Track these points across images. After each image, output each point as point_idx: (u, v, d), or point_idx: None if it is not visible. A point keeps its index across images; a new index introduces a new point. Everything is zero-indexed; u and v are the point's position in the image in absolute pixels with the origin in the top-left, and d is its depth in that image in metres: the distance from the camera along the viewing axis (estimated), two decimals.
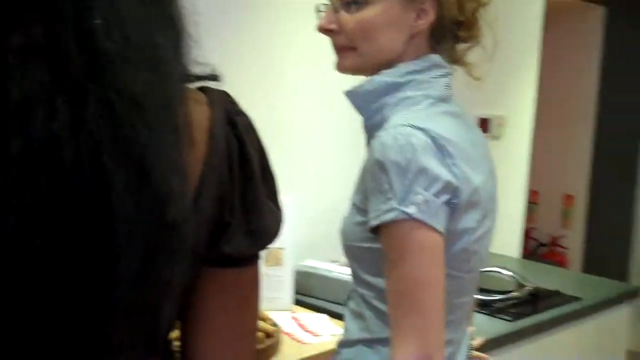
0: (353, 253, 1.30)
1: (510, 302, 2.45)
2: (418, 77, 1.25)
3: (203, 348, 0.80)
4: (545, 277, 2.80)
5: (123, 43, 0.63)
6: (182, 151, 0.69)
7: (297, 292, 2.31)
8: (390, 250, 1.16)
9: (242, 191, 0.76)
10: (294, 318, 2.15)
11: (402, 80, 1.25)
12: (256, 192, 0.78)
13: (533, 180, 3.67)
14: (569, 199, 4.78)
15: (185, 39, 0.71)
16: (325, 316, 2.19)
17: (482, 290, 2.18)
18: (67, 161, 0.60)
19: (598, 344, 2.76)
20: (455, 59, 1.32)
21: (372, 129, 1.28)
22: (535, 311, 2.44)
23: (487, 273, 2.43)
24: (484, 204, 1.23)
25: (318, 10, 1.34)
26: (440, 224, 1.14)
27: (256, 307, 0.85)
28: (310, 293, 2.33)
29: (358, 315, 1.31)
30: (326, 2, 1.31)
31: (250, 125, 0.79)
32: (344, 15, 1.27)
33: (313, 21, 1.34)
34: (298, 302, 2.29)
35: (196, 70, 0.75)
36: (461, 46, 1.31)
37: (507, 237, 3.40)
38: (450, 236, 1.18)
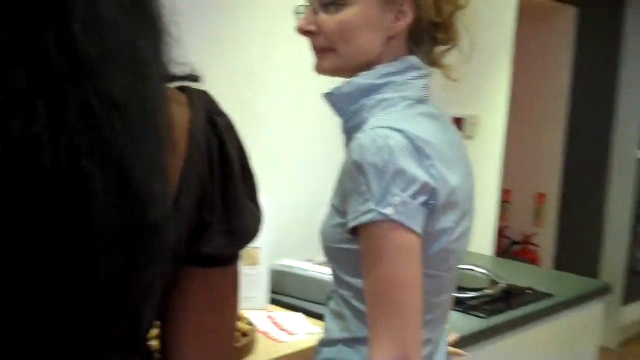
0: (332, 254, 1.31)
1: (484, 299, 2.47)
2: (396, 78, 1.26)
3: (183, 347, 0.80)
4: (518, 275, 2.82)
5: (103, 46, 0.63)
6: (163, 152, 0.69)
7: (272, 291, 2.31)
8: (368, 251, 1.17)
9: (222, 191, 0.77)
10: (270, 317, 2.15)
11: (380, 82, 1.26)
12: (236, 192, 0.78)
13: (505, 179, 3.70)
14: (541, 197, 4.83)
15: (165, 39, 0.72)
16: (300, 315, 2.19)
17: (456, 288, 2.20)
18: (47, 164, 0.60)
19: (570, 340, 2.79)
20: (432, 61, 1.33)
21: (350, 130, 1.28)
22: (509, 308, 2.46)
23: (461, 271, 2.45)
24: (461, 204, 1.25)
25: (297, 12, 1.34)
26: (417, 225, 1.15)
27: (236, 306, 0.85)
28: (285, 292, 2.33)
29: (338, 315, 1.32)
30: (305, 4, 1.32)
31: (230, 125, 0.80)
32: (323, 17, 1.27)
33: (292, 22, 1.34)
34: (273, 301, 2.29)
35: (176, 70, 0.75)
36: (439, 48, 1.33)
37: (480, 235, 3.43)
38: (429, 236, 1.20)
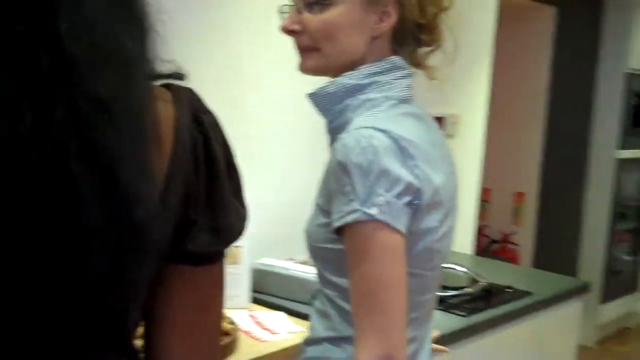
0: (317, 254, 1.31)
1: (464, 297, 2.49)
2: (380, 78, 1.26)
3: (168, 346, 0.80)
4: (497, 273, 2.84)
5: (90, 46, 0.63)
6: (150, 152, 0.69)
7: (254, 290, 2.32)
8: (353, 251, 1.17)
9: (208, 189, 0.76)
10: (252, 316, 2.15)
11: (364, 82, 1.26)
12: (222, 190, 0.78)
13: (485, 178, 3.73)
14: (520, 196, 4.86)
15: (151, 37, 0.71)
16: (282, 314, 2.20)
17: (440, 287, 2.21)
18: (34, 166, 0.60)
19: (550, 338, 2.81)
20: (416, 62, 1.33)
21: (335, 130, 1.29)
22: (489, 306, 2.48)
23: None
24: (445, 203, 1.26)
25: (281, 12, 1.34)
26: (402, 224, 1.16)
27: (221, 304, 0.85)
28: (267, 291, 2.33)
29: (323, 314, 1.32)
30: (289, 3, 1.32)
31: (216, 123, 0.80)
32: (307, 16, 1.27)
33: (278, 21, 1.34)
34: (255, 300, 2.29)
35: (162, 68, 0.75)
36: (423, 49, 1.33)
37: (460, 234, 3.43)
38: (413, 236, 1.20)
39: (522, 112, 4.82)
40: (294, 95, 2.43)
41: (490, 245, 4.85)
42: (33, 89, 0.60)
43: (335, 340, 1.30)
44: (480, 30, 3.51)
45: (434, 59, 1.35)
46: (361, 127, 1.18)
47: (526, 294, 2.65)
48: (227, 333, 1.86)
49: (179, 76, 0.79)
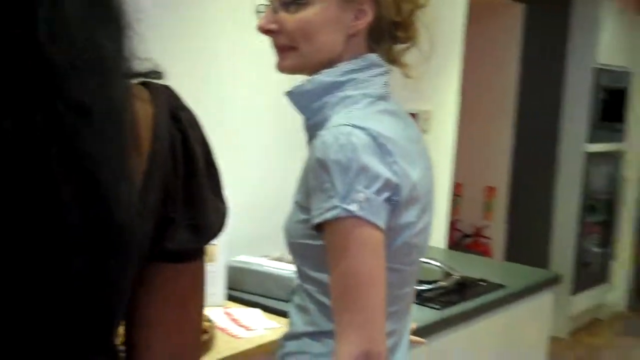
0: (297, 250, 1.32)
1: (438, 291, 2.51)
2: (357, 76, 1.28)
3: (150, 344, 0.80)
4: (470, 267, 2.87)
5: (68, 49, 0.63)
6: (129, 153, 0.69)
7: (229, 288, 2.32)
8: (333, 247, 1.19)
9: (187, 186, 0.77)
10: (227, 313, 2.16)
11: (342, 79, 1.27)
12: (200, 187, 0.78)
13: (456, 173, 3.76)
14: (491, 190, 4.91)
15: (129, 36, 0.71)
16: (258, 310, 2.20)
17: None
18: (15, 170, 0.60)
19: (523, 329, 2.85)
20: (392, 59, 1.34)
21: (313, 128, 1.30)
22: (463, 299, 2.51)
23: None
24: (422, 198, 1.27)
25: (257, 11, 1.34)
26: (381, 220, 1.17)
27: (202, 301, 0.85)
28: (242, 288, 2.34)
29: (303, 309, 1.33)
30: (265, 3, 1.32)
31: (194, 120, 0.80)
32: (284, 15, 1.28)
33: (255, 17, 1.34)
34: (230, 298, 2.30)
35: (139, 66, 0.75)
36: (399, 47, 1.34)
37: (433, 228, 3.47)
38: (392, 231, 1.22)
39: (492, 107, 4.87)
40: (270, 92, 2.44)
41: (462, 240, 4.89)
42: (12, 93, 0.60)
43: (315, 335, 1.31)
44: (450, 27, 3.54)
45: (409, 57, 1.36)
46: (340, 125, 1.19)
47: (499, 286, 2.69)
48: (204, 330, 1.86)
49: (157, 74, 0.78)
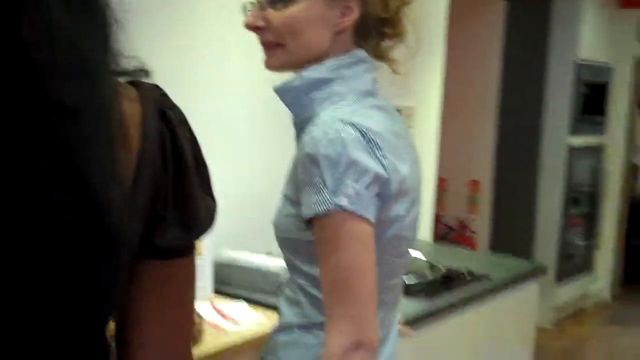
0: (287, 244, 1.33)
1: (425, 283, 2.53)
2: (345, 72, 1.29)
3: (141, 340, 0.80)
4: (456, 259, 2.90)
5: (53, 51, 0.62)
6: (118, 153, 0.69)
7: (216, 282, 2.33)
8: (324, 241, 1.20)
9: (176, 184, 0.77)
10: (215, 307, 2.16)
11: (329, 75, 1.28)
12: (190, 185, 0.78)
13: (440, 167, 3.78)
14: (475, 184, 4.94)
15: (113, 33, 0.71)
16: (245, 304, 2.21)
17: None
18: (4, 175, 0.60)
19: (509, 320, 2.88)
20: (380, 56, 1.36)
21: (301, 123, 1.31)
22: (449, 291, 2.53)
23: None
24: (411, 192, 1.29)
25: (244, 9, 1.35)
26: (371, 214, 1.19)
27: (193, 297, 0.85)
28: (229, 282, 2.34)
29: (294, 302, 1.35)
30: (253, 0, 1.33)
31: (183, 118, 0.80)
32: (271, 12, 1.29)
33: (242, 17, 1.35)
34: (217, 292, 2.31)
35: (126, 64, 0.74)
36: (386, 43, 1.35)
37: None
38: (382, 224, 1.23)
39: (475, 102, 4.90)
40: (256, 88, 2.45)
41: (447, 233, 4.92)
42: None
43: (306, 327, 1.32)
44: (433, 23, 3.56)
45: (396, 53, 1.38)
46: (329, 120, 1.21)
47: (484, 278, 2.71)
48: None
49: (144, 73, 0.78)
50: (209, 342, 1.91)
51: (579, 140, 5.03)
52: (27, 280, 0.64)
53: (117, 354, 0.82)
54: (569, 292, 5.15)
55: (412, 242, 1.37)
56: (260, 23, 1.31)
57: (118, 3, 0.72)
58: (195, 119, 0.86)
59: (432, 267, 2.64)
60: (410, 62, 1.35)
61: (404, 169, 1.26)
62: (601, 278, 5.63)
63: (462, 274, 2.70)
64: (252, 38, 1.36)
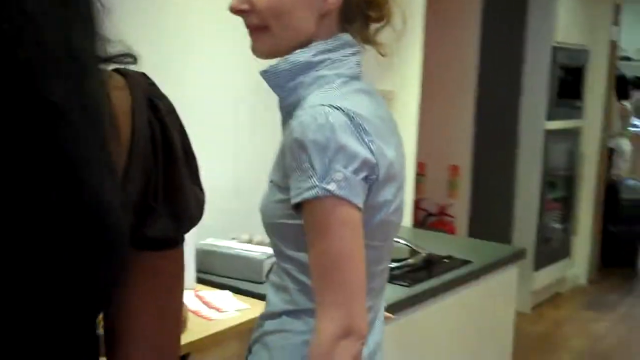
0: (275, 230, 1.33)
1: (406, 268, 2.54)
2: (331, 55, 1.28)
3: (133, 331, 0.80)
4: (436, 244, 2.91)
5: (40, 49, 0.61)
6: (110, 148, 0.69)
7: (199, 270, 2.32)
8: (312, 227, 1.20)
9: (166, 175, 0.76)
10: (198, 296, 2.16)
11: (316, 59, 1.28)
12: (180, 176, 0.78)
13: (419, 152, 3.79)
14: (454, 169, 4.96)
15: (101, 29, 0.70)
16: (228, 292, 2.21)
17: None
18: None
19: (490, 304, 2.90)
20: (366, 39, 1.35)
21: (287, 108, 1.30)
22: (430, 276, 2.55)
23: None
24: (398, 176, 1.30)
25: None
26: (359, 199, 1.19)
27: (182, 288, 0.85)
28: (212, 271, 2.34)
29: (282, 289, 1.34)
30: None
31: (172, 108, 0.79)
32: None
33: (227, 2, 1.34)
34: (200, 280, 2.30)
35: (111, 50, 0.73)
36: (372, 26, 1.35)
37: None
38: (371, 209, 1.24)
39: (453, 86, 4.90)
40: (240, 73, 2.43)
41: (427, 218, 4.94)
42: None
43: (294, 313, 1.32)
44: (411, 7, 3.55)
45: (382, 35, 1.37)
46: (316, 105, 1.20)
47: (465, 262, 2.73)
48: None
49: (131, 58, 0.77)
50: (193, 330, 1.91)
51: (556, 124, 5.06)
52: (24, 280, 0.63)
53: (106, 344, 0.82)
54: (546, 276, 5.19)
55: (398, 227, 1.38)
56: (245, 6, 1.30)
57: None
58: (178, 108, 0.86)
59: (413, 252, 2.65)
60: (396, 44, 1.34)
61: (390, 153, 1.26)
62: (578, 262, 5.68)
63: (443, 258, 2.72)
64: (239, 23, 1.34)
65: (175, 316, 0.85)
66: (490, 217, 5.04)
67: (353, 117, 1.19)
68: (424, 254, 2.65)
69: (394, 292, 2.32)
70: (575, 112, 5.32)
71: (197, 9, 2.45)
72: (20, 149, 0.60)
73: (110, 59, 0.75)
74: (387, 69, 3.37)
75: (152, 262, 0.79)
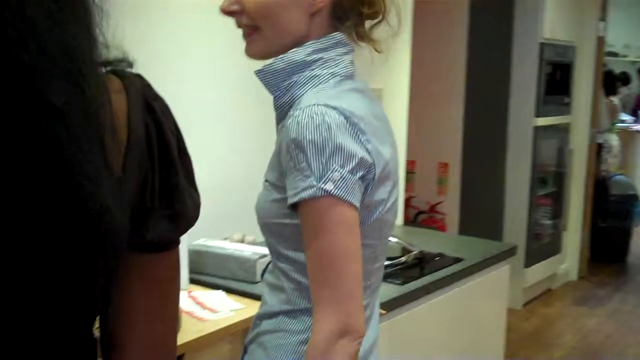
0: (271, 229, 1.33)
1: (399, 266, 2.55)
2: (324, 55, 1.29)
3: (130, 332, 0.80)
4: (428, 242, 2.92)
5: (39, 52, 0.62)
6: (108, 154, 0.69)
7: (192, 271, 2.32)
8: (310, 226, 1.20)
9: (162, 176, 0.77)
10: (191, 296, 2.16)
11: (309, 58, 1.28)
12: (176, 177, 0.78)
13: (409, 150, 3.80)
14: (444, 166, 4.97)
15: (99, 31, 0.70)
16: (221, 292, 2.21)
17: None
18: None
19: (482, 301, 2.91)
20: (359, 37, 1.35)
21: (282, 107, 1.30)
22: (422, 274, 2.55)
23: None
24: (393, 175, 1.30)
25: None
26: (356, 199, 1.20)
27: (178, 289, 0.86)
28: (204, 271, 2.34)
29: (278, 288, 1.34)
30: None
31: (167, 109, 0.80)
32: None
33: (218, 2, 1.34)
34: (193, 281, 2.30)
35: (108, 54, 0.74)
36: (367, 23, 1.35)
37: None
38: (367, 208, 1.24)
39: (443, 84, 4.91)
40: (232, 72, 2.43)
41: (417, 216, 4.95)
42: None
43: (291, 313, 1.32)
44: (400, 5, 3.55)
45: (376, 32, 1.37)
46: (312, 105, 1.20)
47: (457, 259, 2.73)
48: None
49: (128, 63, 0.78)
50: (187, 331, 1.91)
51: (544, 120, 5.07)
52: (21, 282, 0.63)
53: (102, 346, 0.81)
54: (537, 272, 5.21)
55: (393, 225, 1.38)
56: (235, 7, 1.30)
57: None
58: (171, 107, 0.86)
59: (404, 250, 2.66)
60: (392, 40, 1.34)
61: (386, 152, 1.27)
62: (569, 258, 5.71)
63: (435, 256, 2.73)
64: (230, 24, 1.34)
65: (172, 317, 0.86)
66: (481, 214, 5.05)
67: (349, 117, 1.20)
68: (416, 252, 2.65)
69: (387, 290, 2.32)
70: (564, 108, 5.34)
71: (191, 9, 2.45)
72: (20, 150, 0.60)
73: (108, 64, 0.75)
74: (377, 68, 3.37)
75: (149, 264, 0.79)
